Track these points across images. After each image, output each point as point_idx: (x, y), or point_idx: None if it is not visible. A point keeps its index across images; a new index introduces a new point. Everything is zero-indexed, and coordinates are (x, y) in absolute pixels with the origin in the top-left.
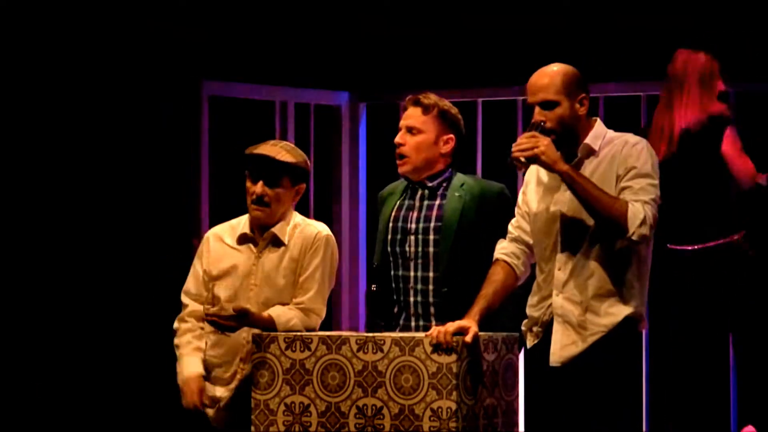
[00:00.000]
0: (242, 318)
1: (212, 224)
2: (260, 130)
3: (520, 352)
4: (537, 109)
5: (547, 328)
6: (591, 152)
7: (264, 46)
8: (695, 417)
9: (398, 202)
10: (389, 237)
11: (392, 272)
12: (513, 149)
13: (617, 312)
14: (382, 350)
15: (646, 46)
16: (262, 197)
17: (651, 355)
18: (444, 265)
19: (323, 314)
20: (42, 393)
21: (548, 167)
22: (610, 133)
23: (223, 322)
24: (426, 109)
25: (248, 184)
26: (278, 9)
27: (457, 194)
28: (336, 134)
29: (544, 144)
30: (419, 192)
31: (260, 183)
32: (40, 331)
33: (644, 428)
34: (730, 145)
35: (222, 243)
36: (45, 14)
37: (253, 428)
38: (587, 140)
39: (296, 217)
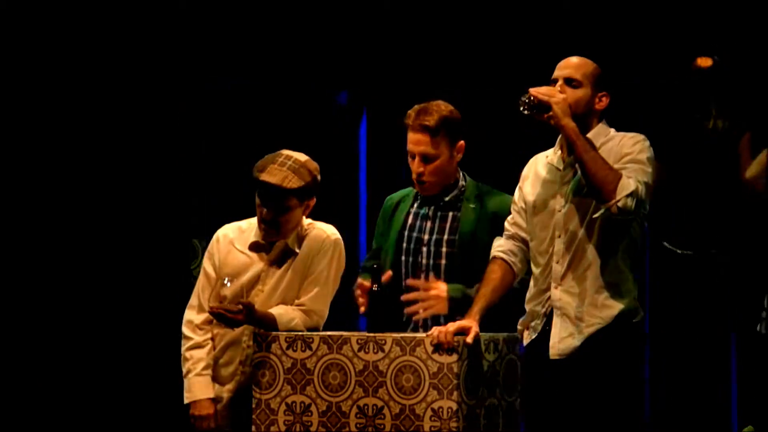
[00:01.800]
0: (247, 313)
1: (212, 224)
2: (260, 130)
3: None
4: (560, 82)
5: (547, 321)
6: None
7: (264, 46)
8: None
9: (412, 210)
10: (403, 246)
11: (403, 282)
12: (530, 90)
13: (613, 304)
14: (383, 350)
15: (647, 45)
16: (271, 221)
17: (651, 355)
18: (458, 280)
19: (325, 315)
20: (42, 393)
21: (557, 119)
22: (613, 131)
23: (229, 316)
24: (434, 132)
25: (257, 201)
26: (278, 9)
27: (471, 206)
28: (336, 134)
29: (560, 97)
30: (433, 203)
31: (270, 208)
32: (39, 331)
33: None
34: None
35: (232, 246)
36: (46, 14)
37: (254, 428)
38: (590, 135)
39: (304, 221)
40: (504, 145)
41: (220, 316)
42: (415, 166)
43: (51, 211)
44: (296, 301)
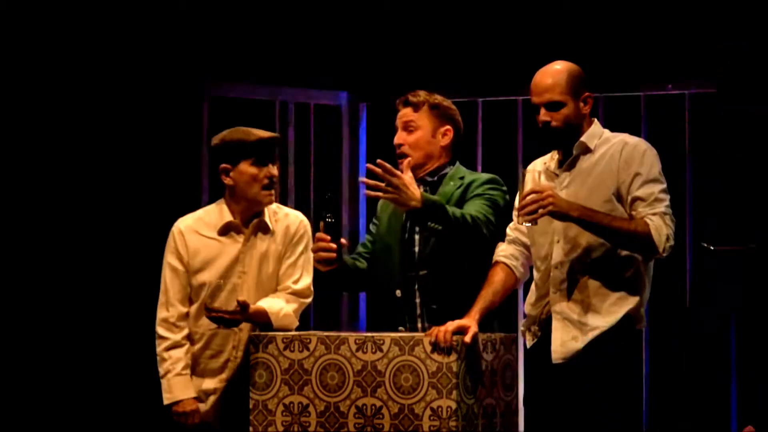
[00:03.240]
0: (243, 311)
1: None
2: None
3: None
4: (542, 110)
5: (545, 326)
6: (587, 150)
7: (264, 46)
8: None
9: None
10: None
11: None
12: (520, 214)
13: (618, 310)
14: (381, 350)
15: (646, 46)
16: (273, 179)
17: (651, 355)
18: (431, 263)
19: (312, 293)
20: (41, 392)
21: (563, 217)
22: (607, 132)
23: (229, 317)
24: (416, 107)
25: (253, 170)
26: (278, 9)
27: (451, 183)
28: (336, 134)
29: (550, 197)
30: (421, 189)
31: (273, 165)
32: (37, 329)
33: (644, 428)
34: None
35: (198, 235)
36: (46, 14)
37: (251, 429)
38: (583, 138)
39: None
40: (504, 145)
41: (220, 319)
42: (397, 137)
43: (51, 212)
44: (281, 286)
